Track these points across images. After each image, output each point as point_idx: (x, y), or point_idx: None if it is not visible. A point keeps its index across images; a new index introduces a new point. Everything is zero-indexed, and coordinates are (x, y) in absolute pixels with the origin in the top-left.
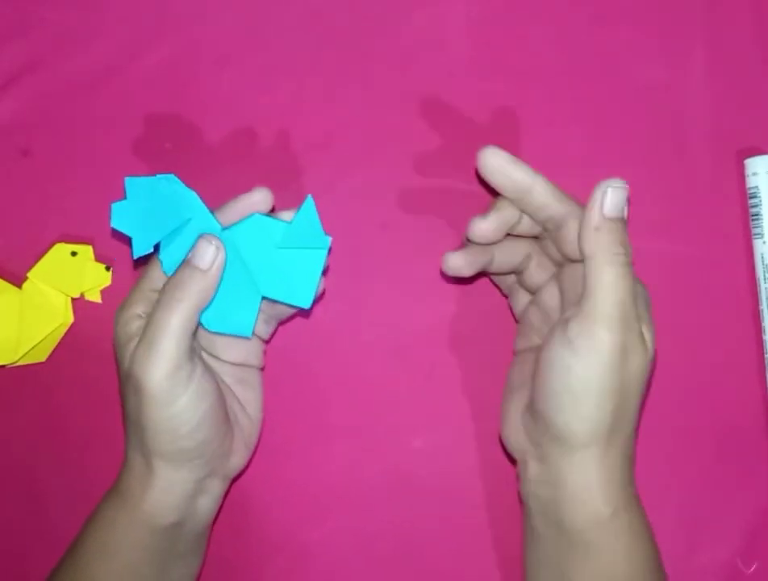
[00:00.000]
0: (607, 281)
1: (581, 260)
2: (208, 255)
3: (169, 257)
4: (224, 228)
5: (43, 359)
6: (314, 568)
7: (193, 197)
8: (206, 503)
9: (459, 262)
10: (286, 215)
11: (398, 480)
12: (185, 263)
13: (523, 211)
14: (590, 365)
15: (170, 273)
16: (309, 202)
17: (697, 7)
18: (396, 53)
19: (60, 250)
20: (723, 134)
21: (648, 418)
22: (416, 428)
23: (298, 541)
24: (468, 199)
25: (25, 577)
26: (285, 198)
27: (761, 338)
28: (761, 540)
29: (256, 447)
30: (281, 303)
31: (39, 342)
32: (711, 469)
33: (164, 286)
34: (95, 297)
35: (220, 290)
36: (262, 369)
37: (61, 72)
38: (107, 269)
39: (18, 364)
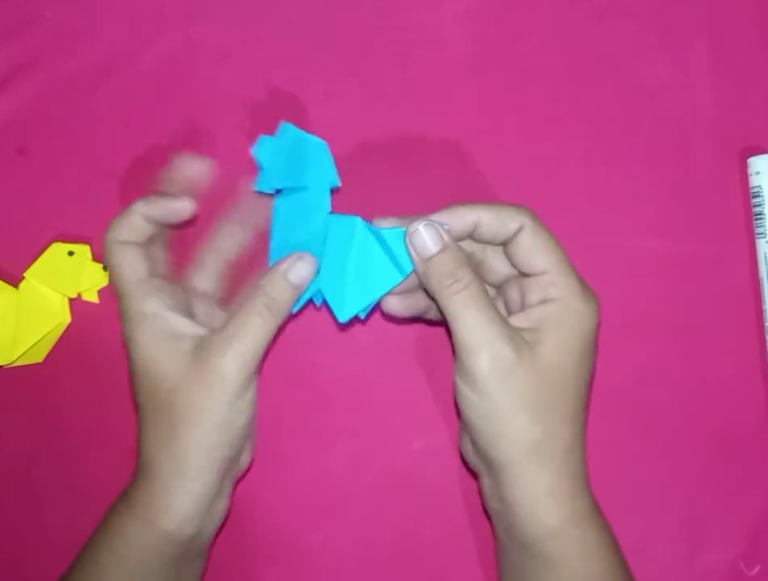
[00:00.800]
0: (453, 314)
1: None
2: (304, 272)
3: (279, 241)
4: (331, 214)
5: (40, 359)
6: (314, 570)
7: (329, 169)
8: (221, 507)
9: (395, 306)
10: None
11: (397, 482)
12: (280, 274)
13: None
14: (478, 392)
15: (272, 263)
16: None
17: (699, 5)
18: (396, 52)
19: (57, 250)
20: (725, 133)
21: (649, 418)
22: (416, 429)
23: (298, 543)
24: (468, 199)
25: (24, 577)
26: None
27: (764, 338)
28: (763, 542)
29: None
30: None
31: (36, 342)
32: (714, 471)
33: (259, 290)
34: (92, 297)
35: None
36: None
37: (59, 70)
38: (105, 268)
39: (15, 364)
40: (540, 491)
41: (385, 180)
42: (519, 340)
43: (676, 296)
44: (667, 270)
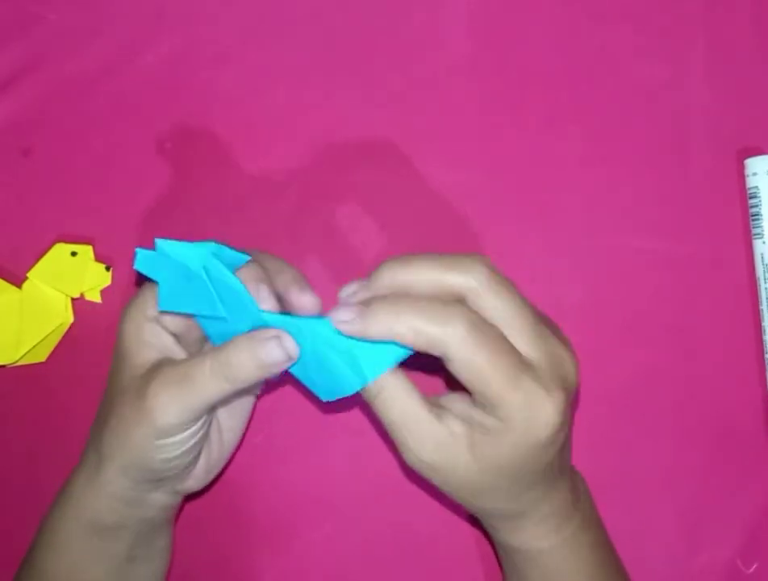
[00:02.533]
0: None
1: None
2: (278, 359)
3: (215, 331)
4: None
5: (43, 359)
6: (314, 569)
7: (237, 286)
8: (150, 512)
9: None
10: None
11: (398, 480)
12: (248, 347)
13: None
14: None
15: (218, 343)
16: None
17: (697, 7)
18: (396, 53)
19: (60, 250)
20: (723, 134)
21: (648, 418)
22: None
23: (299, 542)
24: (468, 199)
25: None
26: (285, 198)
27: (761, 338)
28: (761, 539)
29: (225, 467)
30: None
31: (39, 342)
32: (711, 469)
33: (220, 351)
34: (95, 297)
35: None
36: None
37: (62, 72)
38: (107, 269)
39: (18, 364)
40: (529, 534)
41: (385, 180)
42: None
43: (674, 296)
44: (665, 271)
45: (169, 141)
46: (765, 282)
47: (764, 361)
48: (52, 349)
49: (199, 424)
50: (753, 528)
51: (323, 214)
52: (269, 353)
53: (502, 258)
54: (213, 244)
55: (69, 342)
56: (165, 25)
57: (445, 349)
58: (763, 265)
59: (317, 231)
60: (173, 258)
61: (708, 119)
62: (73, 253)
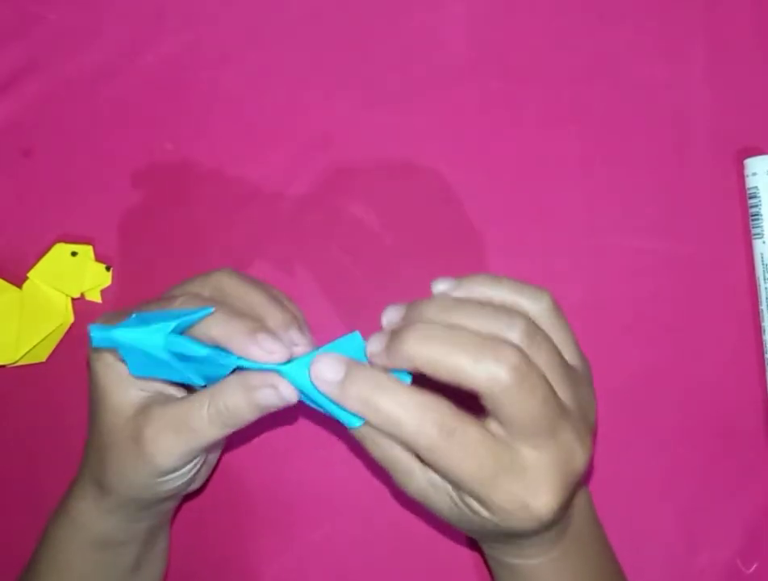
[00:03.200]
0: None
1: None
2: (275, 403)
3: (198, 375)
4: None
5: (43, 359)
6: (314, 569)
7: (209, 354)
8: (155, 520)
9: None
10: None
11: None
12: (245, 394)
13: None
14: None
15: (204, 384)
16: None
17: (697, 7)
18: (396, 53)
19: (61, 250)
20: (723, 134)
21: (648, 418)
22: None
23: (299, 542)
24: (468, 199)
25: None
26: (285, 198)
27: (761, 338)
28: (761, 540)
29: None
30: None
31: (39, 342)
32: (711, 469)
33: (216, 396)
34: (95, 297)
35: None
36: None
37: (62, 72)
38: (107, 269)
39: (18, 364)
40: (520, 553)
41: (385, 180)
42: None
43: (674, 296)
44: (665, 271)
45: (168, 141)
46: (765, 282)
47: (764, 361)
48: (52, 349)
49: (197, 461)
50: (753, 528)
51: (323, 214)
52: (266, 398)
53: (502, 258)
54: (166, 323)
55: (69, 342)
56: (166, 25)
57: (416, 448)
58: (763, 264)
59: (317, 231)
60: (129, 344)
61: (708, 119)
62: (74, 253)
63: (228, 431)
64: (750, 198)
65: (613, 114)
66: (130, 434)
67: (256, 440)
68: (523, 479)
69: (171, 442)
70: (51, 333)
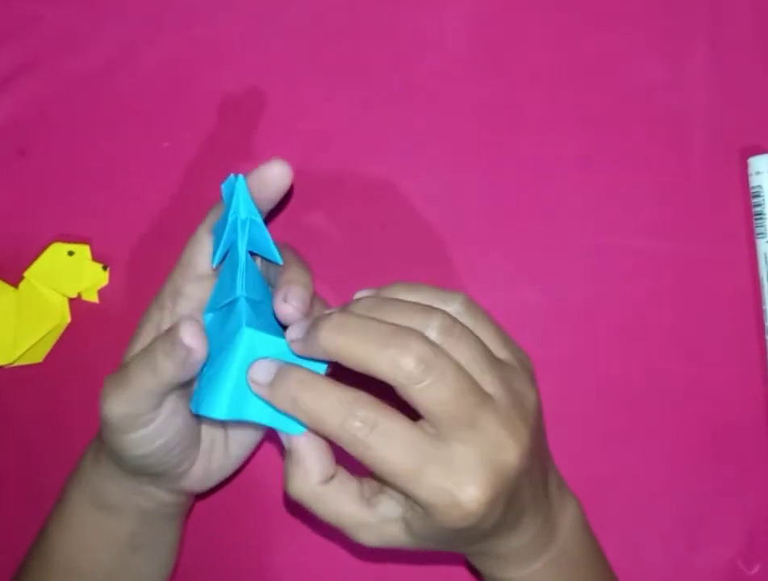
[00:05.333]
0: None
1: None
2: (180, 354)
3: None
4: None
5: (39, 360)
6: (314, 568)
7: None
8: (148, 503)
9: None
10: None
11: None
12: (161, 343)
13: None
14: None
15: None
16: None
17: (699, 7)
18: (396, 54)
19: (57, 250)
20: (725, 132)
21: (649, 418)
22: None
23: (298, 541)
24: (468, 199)
25: None
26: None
27: (764, 338)
28: (762, 541)
29: (231, 478)
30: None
31: (36, 342)
32: (713, 469)
33: (149, 345)
34: (92, 297)
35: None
36: None
37: (59, 71)
38: (104, 268)
39: (14, 364)
40: (494, 567)
41: (385, 180)
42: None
43: (675, 296)
44: (667, 270)
45: (167, 141)
46: None
47: (766, 361)
48: (48, 349)
49: (158, 422)
50: (755, 529)
51: (323, 213)
52: (174, 345)
53: (502, 258)
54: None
55: (66, 342)
56: (165, 25)
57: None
58: (766, 264)
59: (317, 231)
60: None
61: (710, 118)
62: (70, 253)
63: (157, 381)
64: (754, 196)
65: (614, 115)
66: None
67: (257, 443)
68: (450, 472)
69: (112, 388)
70: (48, 333)
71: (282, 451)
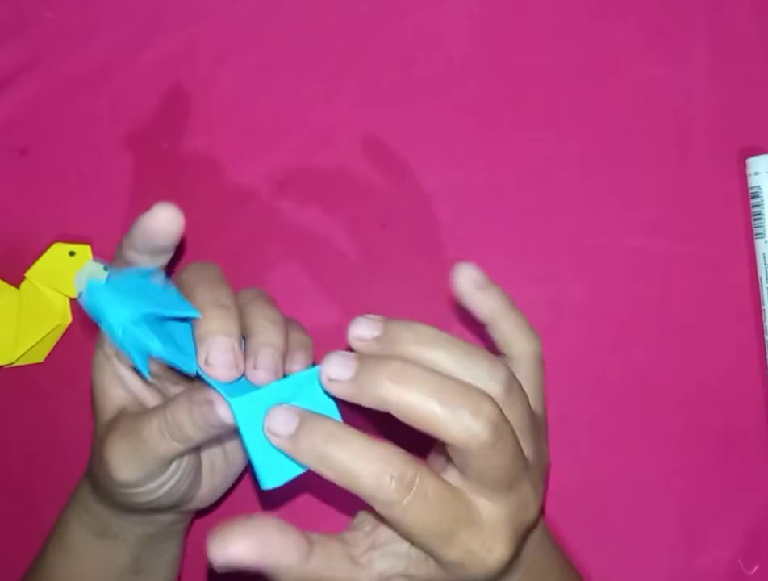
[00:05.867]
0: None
1: None
2: (216, 422)
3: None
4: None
5: (40, 359)
6: None
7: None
8: (153, 529)
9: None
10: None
11: None
12: (187, 409)
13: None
14: None
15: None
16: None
17: (698, 6)
18: (396, 52)
19: (58, 250)
20: (724, 133)
21: (649, 418)
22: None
23: None
24: (468, 199)
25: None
26: (285, 198)
27: (763, 338)
28: (763, 541)
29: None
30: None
31: (37, 343)
32: (713, 469)
33: (165, 410)
34: None
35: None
36: None
37: (59, 71)
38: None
39: (15, 364)
40: None
41: (385, 180)
42: None
43: (675, 297)
44: (666, 271)
45: (167, 141)
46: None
47: (766, 361)
48: (49, 349)
49: (168, 473)
50: (755, 529)
51: (323, 213)
52: (204, 416)
53: (502, 258)
54: (138, 305)
55: (67, 343)
56: (164, 24)
57: (373, 503)
58: (765, 264)
59: (317, 231)
60: (96, 307)
61: (710, 118)
62: (71, 253)
63: (178, 446)
64: (752, 197)
65: (614, 114)
66: (100, 441)
67: None
68: (480, 533)
69: (124, 452)
70: (49, 333)
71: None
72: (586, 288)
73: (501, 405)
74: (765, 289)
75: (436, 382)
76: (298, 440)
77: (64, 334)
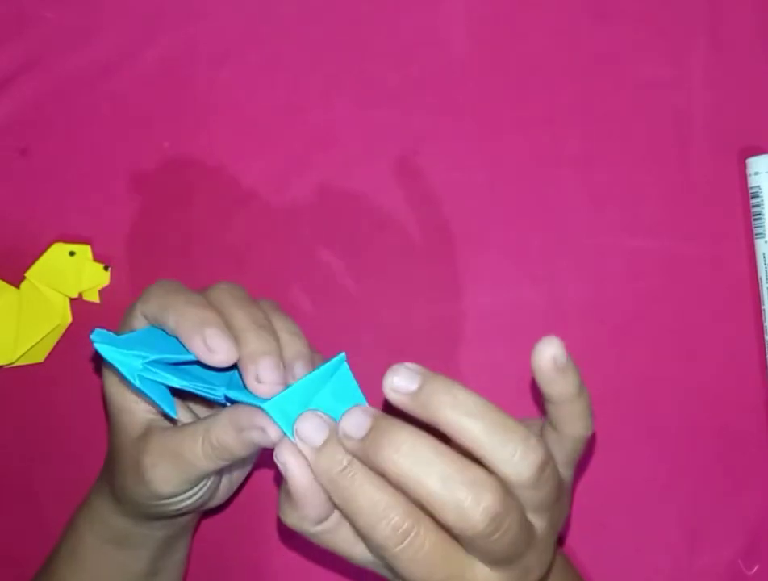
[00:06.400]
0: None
1: None
2: (264, 442)
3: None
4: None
5: (41, 359)
6: (315, 568)
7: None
8: (171, 530)
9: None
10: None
11: None
12: (235, 431)
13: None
14: None
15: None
16: (342, 365)
17: (699, 5)
18: (395, 52)
19: (58, 250)
20: (724, 133)
21: (649, 418)
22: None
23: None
24: (468, 199)
25: (24, 577)
26: (284, 198)
27: (763, 338)
28: (763, 541)
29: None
30: None
31: (37, 342)
32: (713, 469)
33: (209, 431)
34: (93, 297)
35: None
36: None
37: (59, 71)
38: (105, 268)
39: (15, 364)
40: None
41: (384, 180)
42: None
43: (675, 297)
44: (666, 270)
45: (167, 141)
46: (767, 282)
47: (766, 361)
48: (50, 349)
49: (201, 484)
50: (755, 529)
51: (323, 213)
52: (255, 439)
53: (502, 258)
54: (146, 353)
55: (67, 343)
56: (164, 25)
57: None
58: (765, 264)
59: (316, 231)
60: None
61: (709, 118)
62: (71, 253)
63: (224, 464)
64: (752, 197)
65: (613, 114)
66: (131, 458)
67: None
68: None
69: (168, 471)
70: (49, 333)
71: (277, 476)
72: (586, 288)
73: (529, 487)
74: (765, 289)
75: (439, 461)
76: (319, 459)
77: (64, 334)
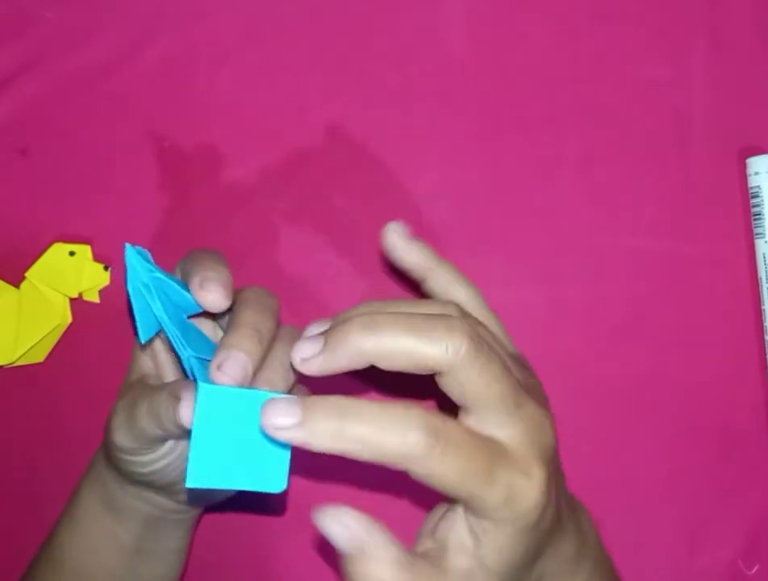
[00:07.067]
0: None
1: None
2: (187, 420)
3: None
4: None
5: (41, 359)
6: (315, 568)
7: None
8: (153, 510)
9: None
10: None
11: (401, 475)
12: (167, 401)
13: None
14: None
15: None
16: None
17: (699, 5)
18: (395, 52)
19: (58, 250)
20: (724, 133)
21: (649, 418)
22: None
23: (305, 537)
24: (468, 198)
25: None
26: (284, 198)
27: (763, 338)
28: (763, 541)
29: None
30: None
31: (37, 342)
32: (713, 469)
33: (153, 395)
34: (93, 297)
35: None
36: None
37: (59, 71)
38: (105, 268)
39: (15, 364)
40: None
41: (384, 180)
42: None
43: (675, 296)
44: (666, 270)
45: (167, 140)
46: (767, 282)
47: (766, 361)
48: (50, 349)
49: (161, 451)
50: (755, 529)
51: (323, 214)
52: (180, 414)
53: (502, 258)
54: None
55: (67, 343)
56: (164, 24)
57: (407, 464)
58: (765, 264)
59: (316, 232)
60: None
61: (709, 118)
62: (71, 253)
63: (161, 432)
64: (752, 197)
65: (613, 114)
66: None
67: None
68: (513, 462)
69: (122, 422)
70: (49, 333)
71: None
72: (586, 288)
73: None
74: (765, 289)
75: (402, 320)
76: (310, 425)
77: (64, 334)
